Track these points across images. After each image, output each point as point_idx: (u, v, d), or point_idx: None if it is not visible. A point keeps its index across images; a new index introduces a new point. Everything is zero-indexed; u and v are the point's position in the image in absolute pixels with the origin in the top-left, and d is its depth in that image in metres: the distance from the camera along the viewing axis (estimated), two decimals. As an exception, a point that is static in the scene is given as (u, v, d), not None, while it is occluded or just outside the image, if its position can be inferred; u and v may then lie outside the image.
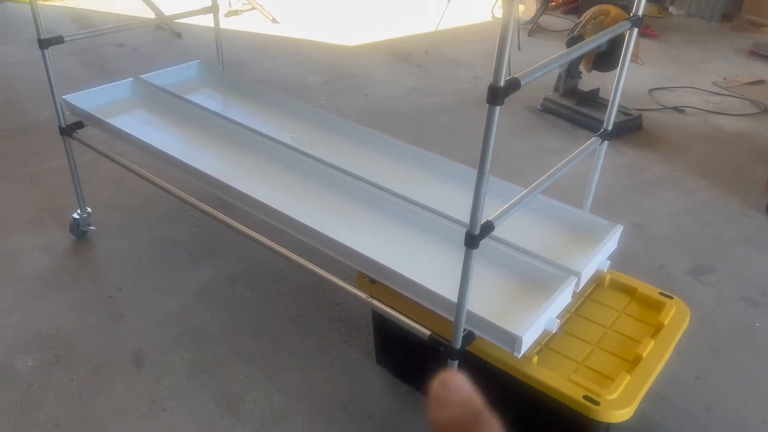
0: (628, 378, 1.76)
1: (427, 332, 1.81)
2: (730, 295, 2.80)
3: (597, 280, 2.17)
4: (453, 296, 1.67)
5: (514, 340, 1.70)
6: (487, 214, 1.60)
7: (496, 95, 1.39)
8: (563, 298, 1.87)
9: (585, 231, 2.18)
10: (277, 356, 2.36)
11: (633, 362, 1.86)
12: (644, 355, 1.83)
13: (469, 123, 4.24)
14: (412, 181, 2.36)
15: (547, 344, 1.92)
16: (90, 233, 2.97)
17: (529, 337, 1.73)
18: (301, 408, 2.17)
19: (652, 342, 1.87)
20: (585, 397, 1.69)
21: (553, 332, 1.80)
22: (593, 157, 2.18)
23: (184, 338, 2.42)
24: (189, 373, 2.27)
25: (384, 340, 2.24)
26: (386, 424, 2.12)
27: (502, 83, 1.38)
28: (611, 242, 2.10)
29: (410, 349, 2.09)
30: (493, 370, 1.83)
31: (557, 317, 1.82)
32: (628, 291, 2.13)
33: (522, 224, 2.20)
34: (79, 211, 2.91)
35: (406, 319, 1.85)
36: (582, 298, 2.11)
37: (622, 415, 1.68)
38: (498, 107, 1.41)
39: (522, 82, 1.43)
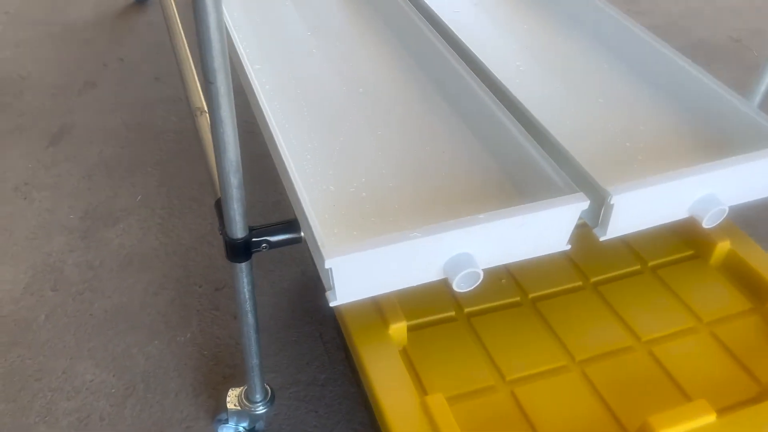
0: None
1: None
2: None
3: (699, 246, 0.99)
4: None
5: (328, 274, 0.74)
6: None
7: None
8: (525, 228, 0.81)
9: (724, 142, 0.99)
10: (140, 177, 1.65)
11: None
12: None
13: None
14: None
15: (472, 317, 0.89)
16: (151, 1, 2.48)
17: (355, 271, 0.74)
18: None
19: (713, 417, 0.72)
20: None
21: (455, 287, 0.77)
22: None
23: None
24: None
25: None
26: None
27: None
28: (762, 171, 0.90)
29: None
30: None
31: (482, 268, 0.78)
32: (757, 287, 0.92)
33: (618, 100, 1.09)
34: (142, -32, 2.43)
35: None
36: (637, 266, 0.97)
37: None
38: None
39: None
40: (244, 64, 1.08)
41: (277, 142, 0.90)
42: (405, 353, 0.83)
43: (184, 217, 1.59)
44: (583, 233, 0.94)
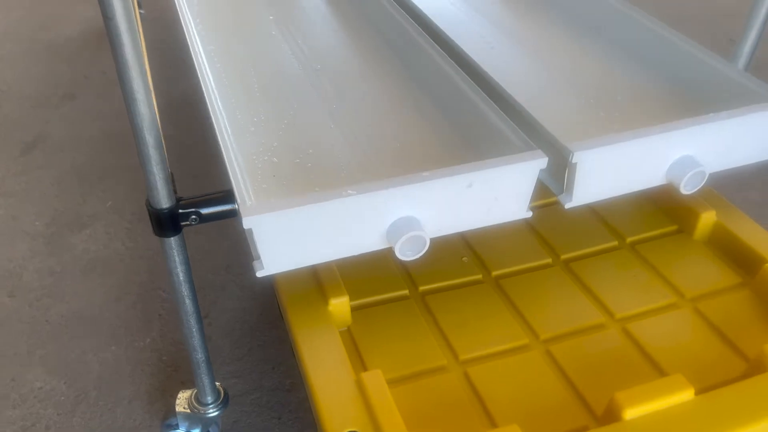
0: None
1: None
2: None
3: (683, 220, 0.90)
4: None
5: (251, 238, 0.67)
6: None
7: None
8: (467, 192, 0.73)
9: (709, 106, 0.92)
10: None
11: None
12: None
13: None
14: None
15: (426, 295, 0.80)
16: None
17: (281, 235, 0.67)
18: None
19: (691, 394, 0.62)
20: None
21: (398, 254, 0.69)
22: None
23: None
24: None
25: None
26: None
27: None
28: (743, 133, 0.83)
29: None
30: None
31: (419, 232, 0.70)
32: (746, 260, 0.83)
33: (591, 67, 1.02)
34: (129, -14, 2.42)
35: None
36: (614, 242, 0.88)
37: None
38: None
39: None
40: (192, 43, 1.03)
41: (212, 109, 0.84)
42: (349, 333, 0.74)
43: (154, 221, 1.52)
44: (554, 210, 0.86)
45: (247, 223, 0.64)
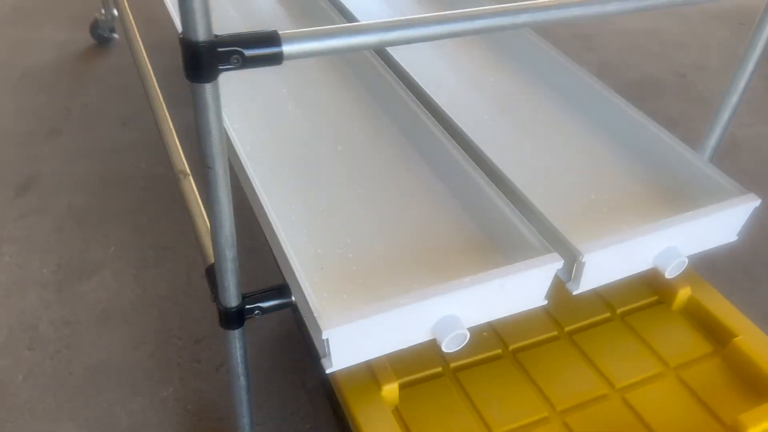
0: None
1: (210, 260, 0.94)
2: None
3: (662, 292, 1.06)
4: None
5: (324, 343, 0.77)
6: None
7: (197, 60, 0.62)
8: (509, 289, 0.86)
9: (679, 193, 1.07)
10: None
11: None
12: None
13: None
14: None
15: (457, 372, 0.93)
16: (113, 43, 2.48)
17: (350, 339, 0.78)
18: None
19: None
20: None
21: (444, 348, 0.82)
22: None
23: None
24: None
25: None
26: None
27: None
28: (715, 223, 0.98)
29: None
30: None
31: (467, 327, 0.83)
32: (717, 332, 0.99)
33: (577, 160, 1.15)
34: (103, 11, 2.42)
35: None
36: (607, 313, 1.03)
37: None
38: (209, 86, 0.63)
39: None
40: (226, 126, 1.12)
41: (266, 209, 0.94)
42: (397, 412, 0.86)
43: (159, 267, 1.59)
44: (556, 283, 1.00)
45: (326, 334, 0.75)
